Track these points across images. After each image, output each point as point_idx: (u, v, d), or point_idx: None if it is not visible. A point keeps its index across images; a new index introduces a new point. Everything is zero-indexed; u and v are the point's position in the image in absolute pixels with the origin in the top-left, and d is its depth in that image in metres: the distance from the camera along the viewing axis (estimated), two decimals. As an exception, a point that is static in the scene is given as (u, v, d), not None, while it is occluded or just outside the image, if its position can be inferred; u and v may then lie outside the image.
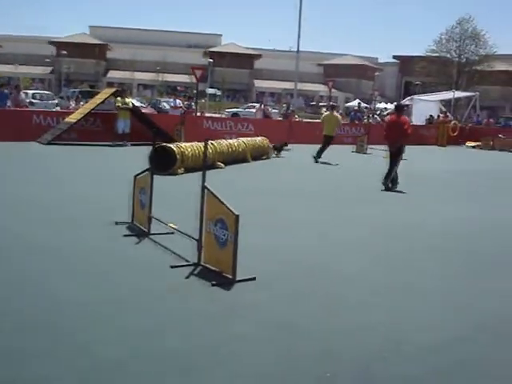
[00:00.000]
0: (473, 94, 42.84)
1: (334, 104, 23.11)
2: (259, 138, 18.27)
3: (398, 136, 13.13)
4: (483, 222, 10.01)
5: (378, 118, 36.07)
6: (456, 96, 41.83)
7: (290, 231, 8.30)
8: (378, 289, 5.90)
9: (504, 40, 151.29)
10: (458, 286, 6.26)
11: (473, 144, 31.41)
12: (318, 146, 18.67)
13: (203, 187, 6.08)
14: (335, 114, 20.30)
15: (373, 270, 6.61)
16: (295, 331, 4.65)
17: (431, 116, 35.15)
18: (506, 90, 73.36)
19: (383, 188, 13.04)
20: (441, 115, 34.69)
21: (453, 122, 32.93)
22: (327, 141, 18.88)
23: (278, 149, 19.33)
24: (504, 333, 4.99)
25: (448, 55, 64.79)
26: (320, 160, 18.13)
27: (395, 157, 13.22)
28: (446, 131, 31.35)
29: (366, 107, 45.26)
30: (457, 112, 45.98)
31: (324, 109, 32.27)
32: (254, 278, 5.81)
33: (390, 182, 13.12)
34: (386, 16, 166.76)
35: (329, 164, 17.86)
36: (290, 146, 20.75)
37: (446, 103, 40.45)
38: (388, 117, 22.23)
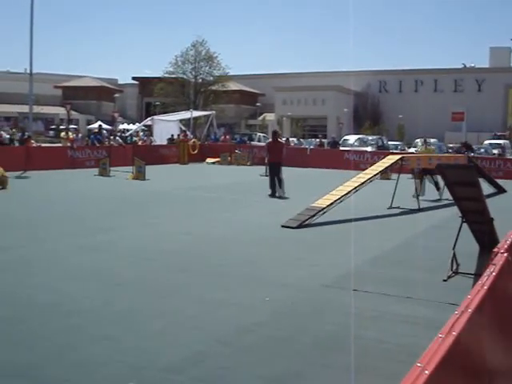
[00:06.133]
0: (209, 112, 44.94)
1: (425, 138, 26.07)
2: (-8, 167, 17.01)
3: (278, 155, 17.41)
4: (207, 237, 10.47)
5: (120, 140, 35.93)
6: (194, 115, 43.49)
7: (24, 268, 7.80)
8: (110, 317, 5.80)
9: (236, 61, 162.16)
10: (187, 300, 6.45)
11: (212, 160, 32.96)
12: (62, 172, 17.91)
13: None
14: (429, 146, 22.76)
15: (108, 298, 6.50)
16: (31, 375, 4.38)
17: (172, 135, 36.11)
18: (240, 108, 78.60)
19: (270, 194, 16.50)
20: (181, 134, 35.82)
21: (192, 141, 34.22)
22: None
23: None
24: (243, 345, 5.23)
25: (185, 76, 67.24)
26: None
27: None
28: (186, 149, 32.44)
29: (107, 129, 44.76)
30: (197, 130, 47.90)
31: (62, 133, 31.19)
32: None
33: (279, 189, 16.72)
34: (124, 37, 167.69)
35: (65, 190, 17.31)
36: (28, 174, 19.74)
37: (186, 122, 41.93)
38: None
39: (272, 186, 16.98)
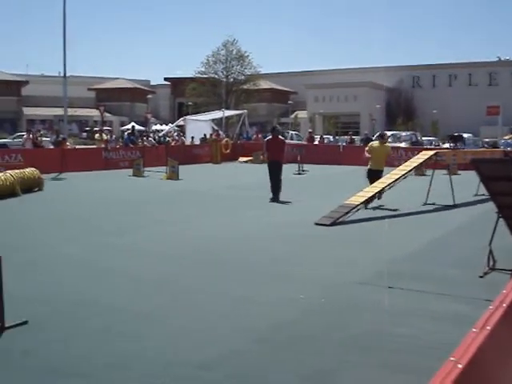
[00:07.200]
0: (241, 111, 45.02)
1: (384, 132, 18.01)
2: (28, 170, 17.33)
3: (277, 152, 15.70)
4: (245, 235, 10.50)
5: (153, 141, 36.27)
6: (226, 114, 43.59)
7: (54, 268, 7.90)
8: (141, 315, 5.87)
9: (267, 60, 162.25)
10: (219, 298, 6.49)
11: (245, 159, 33.02)
12: (96, 173, 18.23)
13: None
14: (386, 144, 16.29)
15: (138, 296, 6.58)
16: (69, 373, 4.47)
17: (205, 135, 36.30)
18: (272, 106, 78.60)
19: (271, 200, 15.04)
20: (213, 134, 36.00)
21: (225, 140, 34.36)
22: (376, 176, 14.46)
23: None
24: (277, 343, 5.23)
25: (216, 76, 67.52)
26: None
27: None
28: (218, 148, 32.58)
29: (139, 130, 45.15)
30: (229, 130, 48.04)
31: (96, 134, 31.32)
32: (25, 322, 5.48)
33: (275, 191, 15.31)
34: (155, 39, 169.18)
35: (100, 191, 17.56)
36: (63, 175, 20.07)
37: (218, 122, 42.08)
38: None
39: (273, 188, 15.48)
